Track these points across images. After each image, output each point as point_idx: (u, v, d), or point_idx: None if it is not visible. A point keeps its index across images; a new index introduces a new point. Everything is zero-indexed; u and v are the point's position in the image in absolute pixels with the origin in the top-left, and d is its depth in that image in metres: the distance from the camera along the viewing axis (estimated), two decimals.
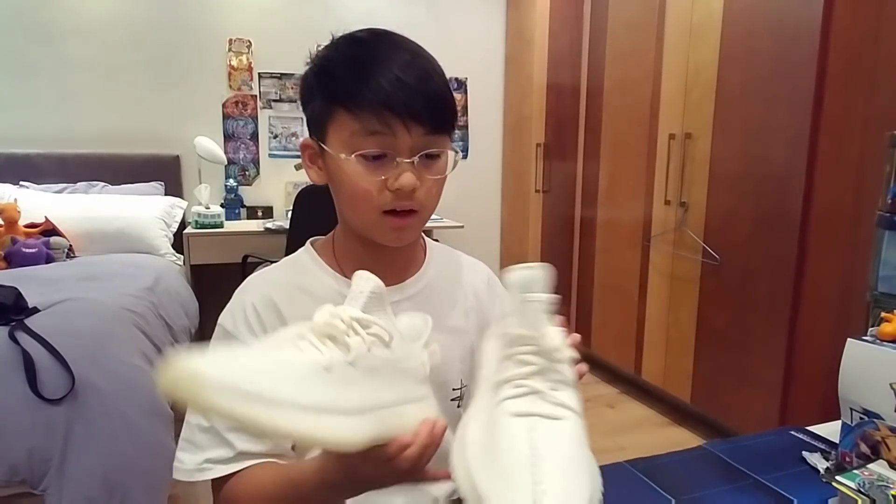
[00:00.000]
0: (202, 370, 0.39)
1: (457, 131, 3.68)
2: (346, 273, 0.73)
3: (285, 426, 0.41)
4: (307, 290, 0.72)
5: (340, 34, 0.70)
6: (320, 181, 0.71)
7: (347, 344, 0.47)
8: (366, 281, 0.52)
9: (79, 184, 2.84)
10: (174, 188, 3.07)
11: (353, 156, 0.64)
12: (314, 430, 0.43)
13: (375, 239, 0.70)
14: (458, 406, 0.77)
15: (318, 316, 0.49)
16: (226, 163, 3.07)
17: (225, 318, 0.72)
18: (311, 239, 0.79)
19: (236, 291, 0.74)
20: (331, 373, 0.45)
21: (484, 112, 3.65)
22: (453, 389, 0.76)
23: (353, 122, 0.63)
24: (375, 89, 0.61)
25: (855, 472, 0.58)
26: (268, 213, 3.29)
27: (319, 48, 0.69)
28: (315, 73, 0.68)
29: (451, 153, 0.70)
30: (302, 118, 2.97)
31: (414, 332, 0.58)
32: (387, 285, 0.74)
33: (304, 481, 0.59)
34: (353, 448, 0.46)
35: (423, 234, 0.82)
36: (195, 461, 0.66)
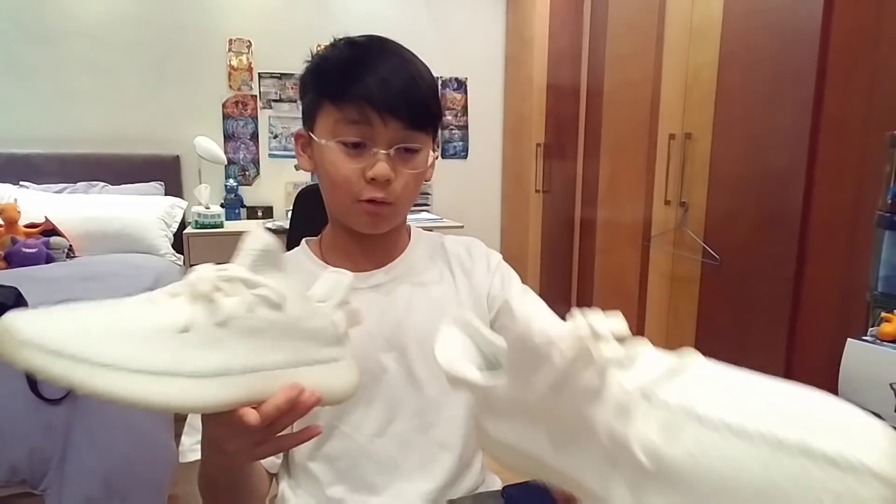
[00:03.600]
0: (17, 325, 0.37)
1: (457, 131, 3.69)
2: (330, 264, 0.77)
3: (103, 387, 0.38)
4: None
5: (342, 37, 0.74)
6: (308, 169, 0.76)
7: (218, 304, 0.44)
8: (255, 239, 0.49)
9: (79, 184, 2.84)
10: (174, 188, 3.07)
11: (333, 142, 0.69)
12: (139, 393, 0.39)
13: (351, 225, 0.74)
14: None
15: (190, 274, 0.47)
16: (226, 163, 3.07)
17: None
18: (305, 238, 0.84)
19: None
20: (187, 333, 0.43)
21: (484, 112, 3.65)
22: None
23: (337, 112, 0.69)
24: (359, 85, 0.67)
25: None
26: (268, 213, 3.29)
27: (320, 49, 0.74)
28: (310, 70, 0.73)
29: (430, 152, 0.74)
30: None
31: (327, 290, 0.54)
32: (372, 269, 0.77)
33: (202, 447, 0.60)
34: (204, 411, 0.44)
35: (410, 224, 0.85)
36: (191, 443, 0.70)
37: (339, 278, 0.55)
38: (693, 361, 0.37)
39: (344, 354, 0.54)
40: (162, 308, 0.44)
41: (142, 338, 0.41)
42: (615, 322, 0.37)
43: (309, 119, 0.74)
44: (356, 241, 0.76)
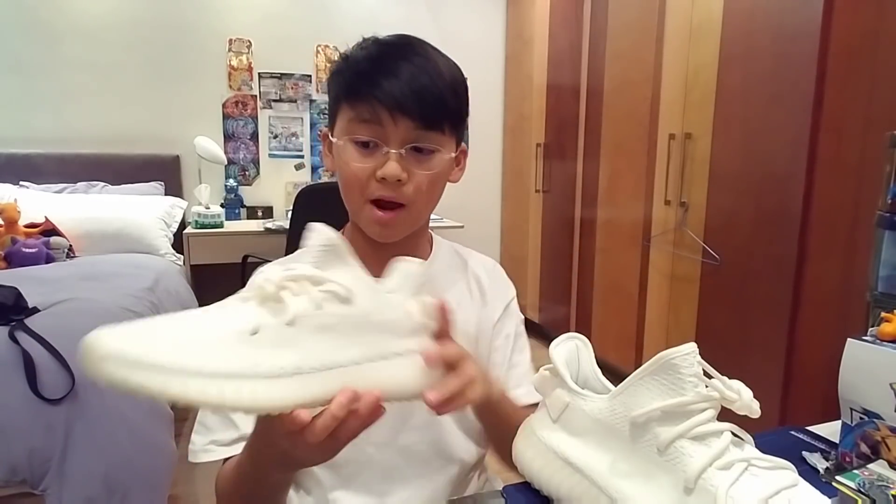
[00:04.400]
0: (98, 342, 0.38)
1: None
2: None
3: (179, 393, 0.38)
4: None
5: (372, 35, 0.73)
6: (331, 169, 0.76)
7: (285, 304, 0.44)
8: (318, 234, 0.49)
9: (79, 184, 2.85)
10: (174, 188, 3.07)
11: (345, 140, 0.69)
12: (215, 396, 0.39)
13: (363, 228, 0.73)
14: None
15: (254, 277, 0.47)
16: (226, 163, 3.07)
17: None
18: None
19: (250, 279, 0.78)
20: (257, 335, 0.43)
21: (484, 112, 3.65)
22: None
23: (351, 111, 0.68)
24: (371, 84, 0.66)
25: (855, 472, 0.58)
26: (268, 213, 3.29)
27: (350, 48, 0.73)
28: (334, 71, 0.73)
29: (451, 153, 0.73)
30: (301, 118, 2.98)
31: (398, 281, 0.53)
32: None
33: (243, 457, 0.59)
34: (279, 410, 0.43)
35: (430, 230, 0.84)
36: (203, 442, 0.69)
37: (408, 267, 0.54)
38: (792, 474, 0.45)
39: (423, 345, 0.53)
40: (232, 313, 0.44)
41: (214, 343, 0.41)
42: (749, 397, 0.45)
43: (331, 119, 0.73)
44: (373, 246, 0.74)
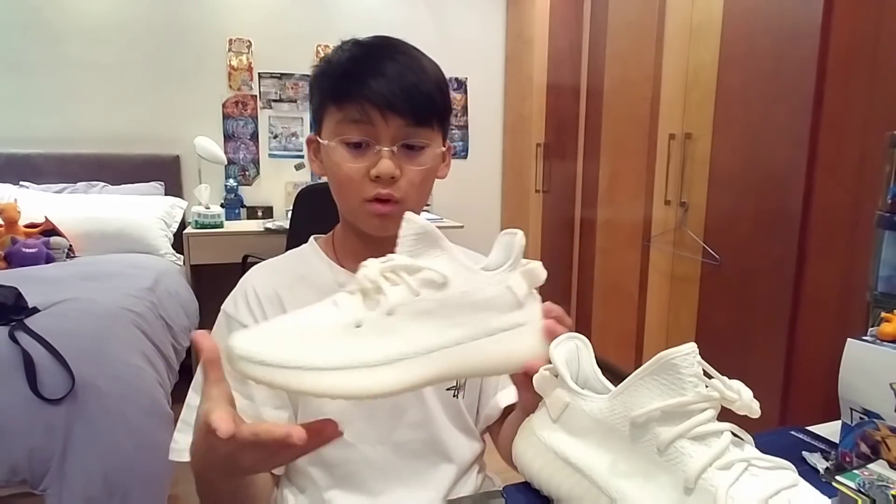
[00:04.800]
0: (234, 343, 0.44)
1: (457, 131, 3.68)
2: (344, 264, 0.77)
3: (298, 386, 0.43)
4: (307, 279, 0.76)
5: (349, 38, 0.73)
6: (320, 173, 0.76)
7: (384, 295, 0.47)
8: (409, 224, 0.51)
9: (79, 184, 2.84)
10: (174, 188, 3.07)
11: (336, 141, 0.69)
12: (330, 387, 0.44)
13: (361, 227, 0.73)
14: (455, 396, 0.78)
15: (359, 271, 0.49)
16: (226, 163, 3.07)
17: (228, 304, 0.76)
18: (313, 236, 0.83)
19: (241, 279, 0.79)
20: (360, 327, 0.46)
21: (484, 112, 3.65)
22: None
23: (339, 112, 0.69)
24: (359, 84, 0.66)
25: (855, 472, 0.58)
26: (268, 213, 3.29)
27: (327, 50, 0.73)
28: (317, 73, 0.73)
29: (440, 149, 0.73)
30: (302, 118, 2.98)
31: (502, 255, 0.55)
32: None
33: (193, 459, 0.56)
34: (389, 396, 0.46)
35: None
36: (186, 441, 0.68)
37: (510, 240, 0.55)
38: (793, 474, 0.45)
39: (529, 316, 0.54)
40: (341, 308, 0.48)
41: (324, 339, 0.45)
42: (749, 397, 0.45)
43: (317, 122, 0.74)
44: (365, 244, 0.74)
